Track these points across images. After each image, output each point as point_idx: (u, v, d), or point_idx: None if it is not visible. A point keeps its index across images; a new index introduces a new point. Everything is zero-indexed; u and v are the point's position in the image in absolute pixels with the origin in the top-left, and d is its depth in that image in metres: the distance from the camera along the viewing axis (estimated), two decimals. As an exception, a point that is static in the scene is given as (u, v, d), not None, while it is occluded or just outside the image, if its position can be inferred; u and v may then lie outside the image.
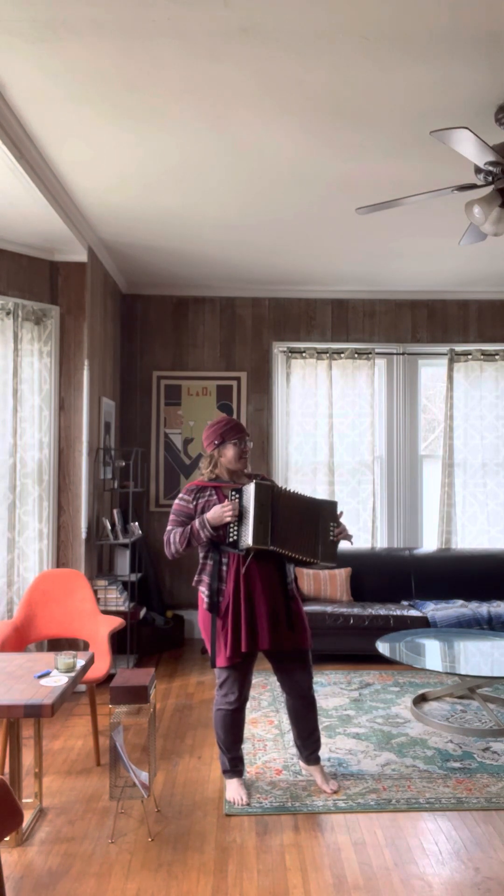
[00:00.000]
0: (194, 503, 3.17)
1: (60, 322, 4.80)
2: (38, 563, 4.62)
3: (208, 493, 3.16)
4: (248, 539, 2.98)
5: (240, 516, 3.03)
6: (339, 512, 3.15)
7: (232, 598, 3.09)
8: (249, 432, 3.32)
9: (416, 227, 4.66)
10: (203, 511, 3.14)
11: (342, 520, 3.38)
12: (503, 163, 2.91)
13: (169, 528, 3.19)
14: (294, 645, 3.17)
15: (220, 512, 3.03)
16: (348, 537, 3.15)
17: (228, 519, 3.02)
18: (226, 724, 3.21)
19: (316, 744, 3.34)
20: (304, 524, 3.07)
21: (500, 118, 3.13)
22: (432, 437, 6.58)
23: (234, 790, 3.22)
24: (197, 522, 3.09)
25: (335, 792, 3.26)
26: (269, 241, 4.99)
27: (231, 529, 3.04)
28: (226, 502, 3.04)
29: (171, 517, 3.20)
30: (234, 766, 3.27)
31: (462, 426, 6.23)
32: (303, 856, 2.79)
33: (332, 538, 3.09)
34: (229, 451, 3.18)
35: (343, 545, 5.93)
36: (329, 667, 5.21)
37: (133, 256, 5.39)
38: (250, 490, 3.02)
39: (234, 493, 3.06)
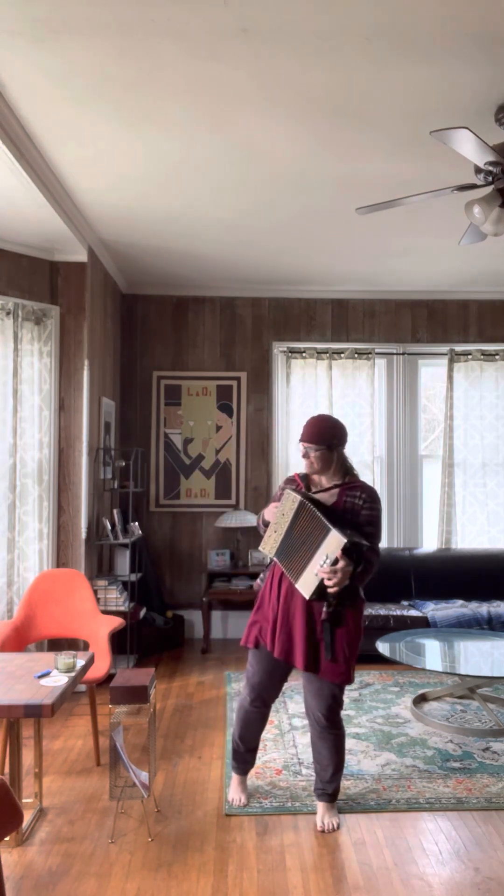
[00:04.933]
0: (280, 492, 3.15)
1: (60, 322, 4.80)
2: (38, 563, 4.62)
3: (294, 487, 3.11)
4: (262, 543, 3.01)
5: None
6: (339, 551, 2.76)
7: (268, 594, 3.07)
8: (316, 441, 3.01)
9: (416, 227, 4.66)
10: (279, 500, 3.10)
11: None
12: (503, 163, 2.91)
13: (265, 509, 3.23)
14: (323, 674, 2.95)
15: (271, 511, 3.02)
16: (336, 582, 2.75)
17: (269, 519, 3.02)
18: (238, 714, 3.21)
19: (324, 784, 3.06)
20: (307, 545, 2.86)
21: (500, 118, 3.13)
22: (432, 437, 6.58)
23: (232, 788, 3.22)
24: (263, 513, 3.09)
25: (324, 830, 2.98)
26: (269, 241, 4.99)
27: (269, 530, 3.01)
28: (277, 503, 3.01)
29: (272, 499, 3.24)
30: (235, 759, 3.23)
31: (462, 426, 6.23)
32: (303, 856, 2.79)
33: (316, 571, 2.80)
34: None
35: None
36: (329, 667, 5.20)
37: (133, 256, 5.39)
38: (284, 497, 2.96)
39: (288, 491, 2.98)
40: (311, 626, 2.94)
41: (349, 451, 6.22)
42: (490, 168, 2.95)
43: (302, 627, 2.94)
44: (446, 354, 6.26)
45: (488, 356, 6.26)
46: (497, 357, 6.27)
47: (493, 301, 6.35)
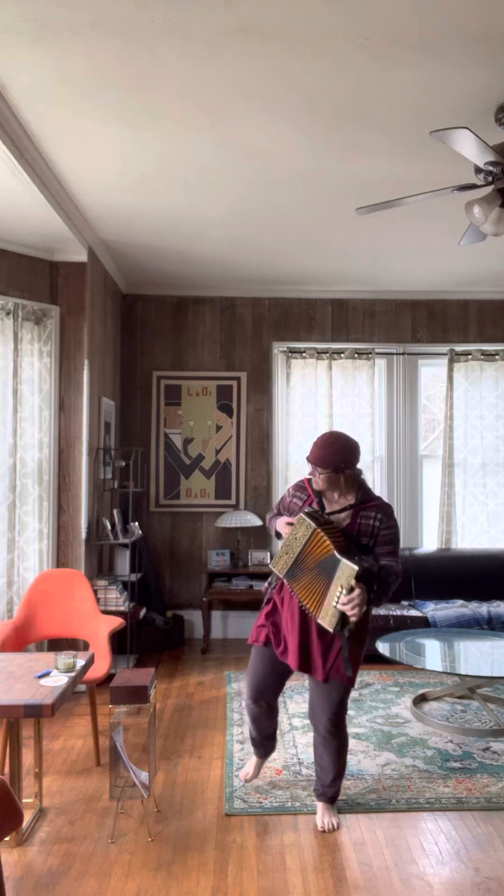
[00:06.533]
0: (290, 498, 3.13)
1: (60, 322, 4.80)
2: (38, 563, 4.62)
3: (305, 497, 3.09)
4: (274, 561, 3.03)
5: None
6: (353, 580, 2.73)
7: (280, 603, 3.10)
8: (321, 464, 2.94)
9: (416, 227, 4.66)
10: (288, 510, 3.12)
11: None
12: (503, 163, 2.91)
13: (273, 509, 3.24)
14: (329, 677, 2.98)
15: (284, 527, 3.03)
16: (356, 611, 2.73)
17: (280, 530, 3.06)
18: (246, 709, 3.29)
19: (324, 787, 3.07)
20: (320, 575, 2.85)
21: (500, 118, 3.13)
22: (432, 437, 6.58)
23: (248, 763, 3.39)
24: (276, 524, 3.10)
25: (324, 830, 2.99)
26: (269, 241, 4.99)
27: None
28: (291, 520, 3.00)
29: (278, 500, 3.25)
30: (253, 744, 3.35)
31: (462, 426, 6.23)
32: (303, 856, 2.79)
33: (335, 604, 2.77)
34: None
35: None
36: (329, 667, 5.20)
37: (133, 256, 5.39)
38: (299, 520, 2.92)
39: (302, 515, 2.92)
40: (328, 640, 2.98)
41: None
42: (490, 168, 2.96)
43: (318, 641, 2.98)
44: (446, 354, 6.26)
45: (488, 356, 6.26)
46: (497, 357, 6.26)
47: (493, 301, 6.35)
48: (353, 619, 2.77)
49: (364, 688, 4.75)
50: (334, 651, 2.96)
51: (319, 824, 3.01)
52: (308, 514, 2.90)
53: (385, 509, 2.98)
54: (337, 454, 2.93)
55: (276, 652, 3.07)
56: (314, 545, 2.85)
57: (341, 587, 2.76)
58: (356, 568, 2.72)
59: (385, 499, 6.28)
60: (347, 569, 2.75)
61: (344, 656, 2.93)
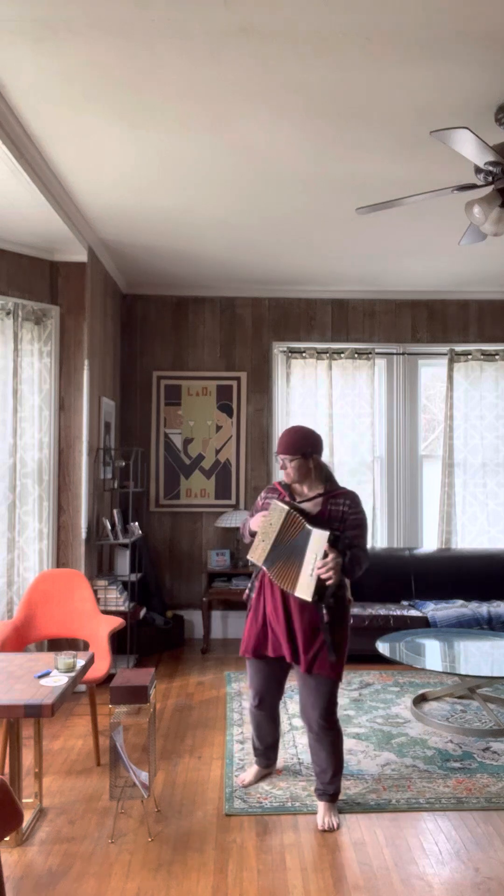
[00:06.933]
0: (263, 500, 3.27)
1: (60, 322, 4.80)
2: (38, 563, 4.62)
3: (277, 495, 3.23)
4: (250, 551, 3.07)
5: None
6: (325, 545, 2.88)
7: (256, 601, 3.20)
8: (290, 451, 3.11)
9: (416, 227, 4.66)
10: (262, 509, 3.22)
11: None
12: (503, 163, 2.91)
13: (247, 518, 3.33)
14: (314, 669, 3.02)
15: (258, 521, 3.11)
16: (331, 574, 2.86)
17: (255, 529, 3.11)
18: (250, 717, 3.41)
19: (324, 785, 3.09)
20: (294, 552, 2.94)
21: (500, 118, 3.13)
22: (432, 437, 6.58)
23: (247, 770, 3.43)
24: (250, 523, 3.19)
25: (324, 830, 2.99)
26: (269, 241, 4.99)
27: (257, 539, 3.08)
28: (265, 513, 3.09)
29: (252, 509, 3.35)
30: (255, 754, 3.43)
31: (462, 426, 6.23)
32: (303, 856, 2.79)
33: (310, 572, 2.88)
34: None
35: None
36: (329, 667, 5.20)
37: (133, 256, 5.39)
38: (272, 507, 3.04)
39: (274, 501, 3.06)
40: (314, 629, 3.03)
41: (349, 451, 6.22)
42: (490, 168, 2.96)
43: (301, 632, 3.03)
44: (446, 354, 6.26)
45: (488, 356, 6.26)
46: (497, 357, 6.26)
47: (493, 301, 6.35)
48: (329, 583, 2.89)
49: (364, 688, 4.75)
50: (317, 643, 3.02)
51: (320, 823, 3.02)
52: (280, 500, 3.05)
53: (352, 496, 3.14)
54: (301, 439, 3.12)
55: (267, 653, 3.16)
56: (291, 526, 2.97)
57: (315, 555, 2.89)
58: (327, 533, 2.89)
59: (385, 499, 6.32)
60: (319, 536, 2.89)
61: (326, 640, 3.00)
